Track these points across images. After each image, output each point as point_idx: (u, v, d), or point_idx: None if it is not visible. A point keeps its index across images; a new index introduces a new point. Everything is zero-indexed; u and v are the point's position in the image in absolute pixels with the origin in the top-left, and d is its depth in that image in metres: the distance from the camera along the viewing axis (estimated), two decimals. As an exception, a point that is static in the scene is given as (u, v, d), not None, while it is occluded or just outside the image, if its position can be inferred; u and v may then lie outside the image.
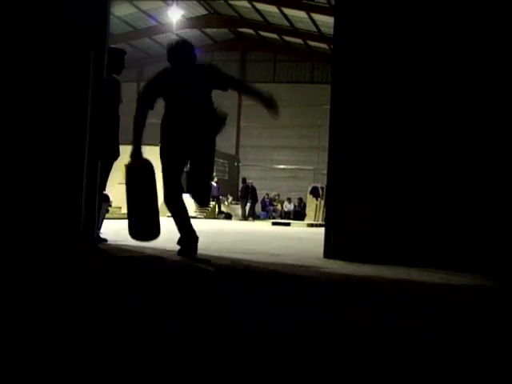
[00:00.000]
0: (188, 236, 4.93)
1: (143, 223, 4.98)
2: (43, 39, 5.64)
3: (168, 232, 5.35)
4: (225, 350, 1.86)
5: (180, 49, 5.47)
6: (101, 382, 1.50)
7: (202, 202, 5.40)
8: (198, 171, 4.97)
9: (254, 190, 25.52)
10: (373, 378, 1.65)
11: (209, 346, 1.90)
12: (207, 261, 4.71)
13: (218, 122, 5.15)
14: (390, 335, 2.23)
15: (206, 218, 22.60)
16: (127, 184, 5.04)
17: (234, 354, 1.83)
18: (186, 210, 5.15)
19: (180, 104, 4.92)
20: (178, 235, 5.00)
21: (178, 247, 4.94)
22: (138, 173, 4.94)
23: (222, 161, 27.63)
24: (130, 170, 5.02)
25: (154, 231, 4.96)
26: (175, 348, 1.87)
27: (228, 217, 24.13)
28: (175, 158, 4.89)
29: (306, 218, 24.06)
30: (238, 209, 25.27)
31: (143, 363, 1.66)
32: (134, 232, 4.95)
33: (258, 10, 26.79)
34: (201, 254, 5.17)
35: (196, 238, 4.95)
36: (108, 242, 5.91)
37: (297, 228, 16.69)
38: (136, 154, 4.93)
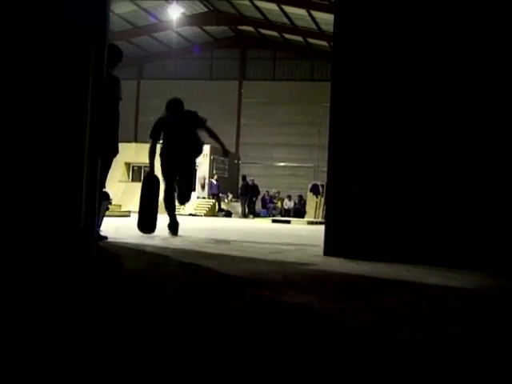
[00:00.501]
0: (172, 221, 7.41)
1: (147, 220, 7.15)
2: (43, 37, 5.63)
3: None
4: (226, 349, 1.86)
5: (173, 103, 7.82)
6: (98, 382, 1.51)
7: (182, 202, 7.82)
8: (182, 183, 7.52)
9: (255, 187, 25.52)
10: (372, 376, 1.65)
11: (209, 345, 1.90)
12: (206, 258, 4.72)
13: (198, 150, 7.67)
14: (390, 334, 2.23)
15: (205, 215, 22.63)
16: (142, 191, 7.27)
17: (235, 352, 1.83)
18: (174, 205, 7.60)
19: (171, 138, 7.43)
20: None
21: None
22: (150, 184, 7.22)
23: (222, 158, 27.62)
24: (145, 182, 7.40)
25: (153, 226, 7.11)
26: (175, 346, 1.88)
27: (228, 214, 24.15)
28: (168, 174, 7.40)
29: (306, 216, 24.06)
30: (237, 206, 25.30)
31: (140, 364, 1.66)
32: (141, 225, 7.13)
33: (257, 8, 26.75)
34: (200, 252, 5.18)
35: (177, 223, 7.40)
36: (108, 240, 5.91)
37: (297, 225, 16.69)
38: (151, 173, 7.35)
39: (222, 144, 7.83)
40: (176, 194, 7.52)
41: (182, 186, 7.51)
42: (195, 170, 7.88)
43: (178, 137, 7.36)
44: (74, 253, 4.95)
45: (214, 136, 7.67)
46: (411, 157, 5.24)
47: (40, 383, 1.46)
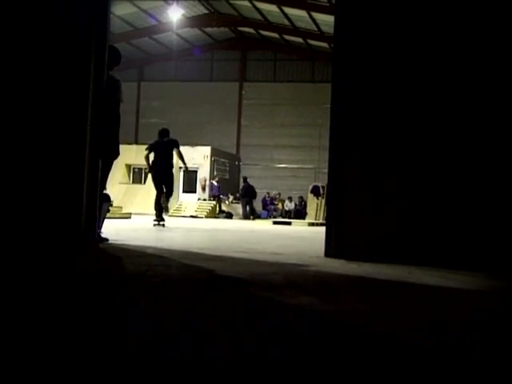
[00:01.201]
0: (159, 215, 10.87)
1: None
2: (43, 38, 5.64)
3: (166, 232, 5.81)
4: (226, 349, 1.86)
5: (161, 132, 11.32)
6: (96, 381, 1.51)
7: (168, 197, 11.06)
8: (165, 186, 11.01)
9: (250, 188, 25.47)
10: (370, 377, 1.65)
11: (209, 345, 1.90)
12: (207, 260, 4.72)
13: (172, 166, 11.06)
14: (391, 335, 2.23)
15: (206, 217, 22.63)
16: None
17: (235, 352, 1.83)
18: (161, 206, 10.97)
19: (158, 156, 11.00)
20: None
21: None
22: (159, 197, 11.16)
23: (222, 160, 27.63)
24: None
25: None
26: (174, 348, 1.87)
27: (229, 216, 24.14)
28: (156, 181, 11.07)
29: (307, 217, 24.05)
30: (238, 208, 25.28)
31: (139, 363, 1.66)
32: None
33: (258, 9, 26.78)
34: (200, 253, 5.17)
35: (162, 219, 10.90)
36: (109, 242, 5.92)
37: (298, 227, 16.69)
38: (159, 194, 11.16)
39: (184, 164, 11.45)
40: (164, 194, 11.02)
41: (165, 187, 11.04)
42: (173, 175, 11.23)
43: (161, 156, 10.96)
44: (75, 254, 4.95)
45: (181, 156, 11.07)
46: (412, 158, 5.24)
47: (40, 383, 1.47)
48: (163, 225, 10.71)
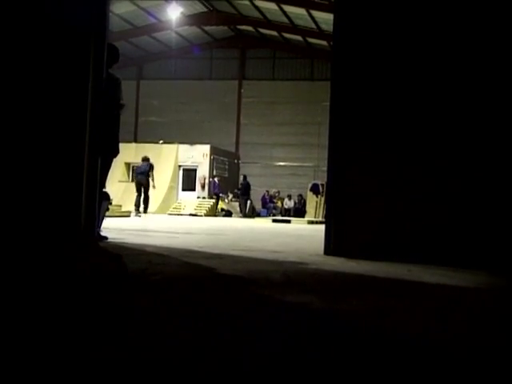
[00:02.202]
0: (137, 209, 16.90)
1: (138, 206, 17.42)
2: (42, 37, 5.63)
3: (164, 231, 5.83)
4: (225, 349, 1.87)
5: (144, 159, 17.68)
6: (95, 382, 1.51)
7: (145, 203, 17.17)
8: (143, 191, 17.24)
9: (249, 185, 25.47)
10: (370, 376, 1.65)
11: (209, 345, 1.91)
12: (207, 258, 4.72)
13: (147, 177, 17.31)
14: (390, 333, 2.23)
15: (206, 215, 22.62)
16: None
17: (234, 352, 1.83)
18: (139, 204, 17.02)
19: (139, 173, 17.73)
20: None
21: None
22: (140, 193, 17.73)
23: (222, 158, 27.62)
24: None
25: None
26: (176, 351, 1.88)
27: (228, 214, 24.14)
28: (137, 186, 17.42)
29: (307, 215, 24.06)
30: (238, 206, 25.28)
31: (139, 363, 1.66)
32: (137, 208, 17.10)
33: (257, 7, 26.76)
34: (200, 252, 5.18)
35: (139, 211, 16.89)
36: (108, 240, 5.91)
37: (297, 225, 16.69)
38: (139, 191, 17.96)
39: (153, 181, 17.08)
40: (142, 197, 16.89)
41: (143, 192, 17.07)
42: (149, 184, 16.91)
43: (141, 173, 17.09)
44: (75, 253, 4.95)
45: (152, 176, 17.08)
46: (411, 156, 5.24)
47: (40, 383, 1.46)
48: (140, 216, 16.16)
